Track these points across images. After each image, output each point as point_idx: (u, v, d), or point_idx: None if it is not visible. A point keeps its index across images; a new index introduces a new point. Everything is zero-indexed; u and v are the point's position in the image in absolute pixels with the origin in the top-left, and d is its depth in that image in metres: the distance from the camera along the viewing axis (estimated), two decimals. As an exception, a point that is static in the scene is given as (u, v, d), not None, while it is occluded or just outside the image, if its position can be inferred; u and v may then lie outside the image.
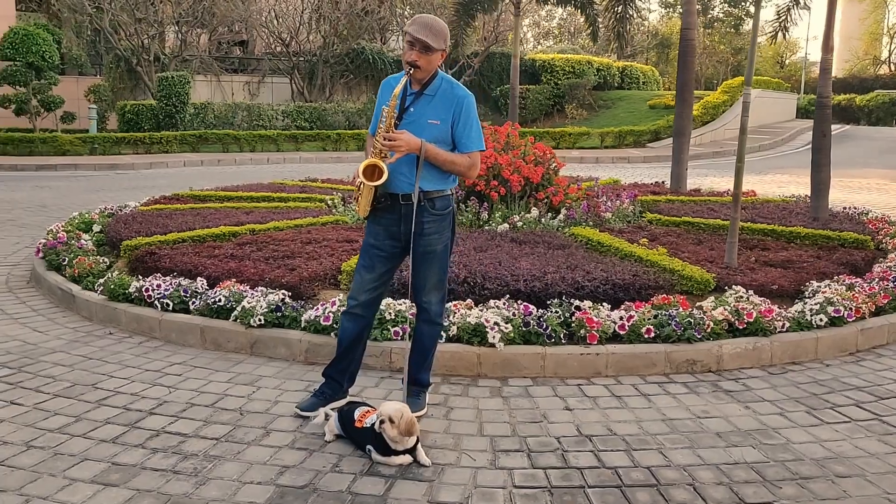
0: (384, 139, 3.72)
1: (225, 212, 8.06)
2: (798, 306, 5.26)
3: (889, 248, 7.05)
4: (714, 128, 23.62)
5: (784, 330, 5.03)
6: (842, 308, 5.14)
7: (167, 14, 24.20)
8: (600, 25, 15.05)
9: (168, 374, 4.65)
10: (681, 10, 42.70)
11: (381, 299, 4.10)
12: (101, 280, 5.77)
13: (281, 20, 26.86)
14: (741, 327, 4.93)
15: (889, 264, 6.23)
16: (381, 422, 3.44)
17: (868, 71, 52.86)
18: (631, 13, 11.12)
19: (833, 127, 25.21)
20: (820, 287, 5.55)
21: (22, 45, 18.94)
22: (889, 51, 54.40)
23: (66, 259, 6.47)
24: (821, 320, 5.08)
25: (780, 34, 10.27)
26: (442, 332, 4.57)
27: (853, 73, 52.72)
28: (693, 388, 4.51)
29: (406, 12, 29.92)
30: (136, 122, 20.81)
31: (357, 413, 3.68)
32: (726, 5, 53.76)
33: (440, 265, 3.97)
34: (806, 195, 10.35)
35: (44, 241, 7.04)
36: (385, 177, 3.74)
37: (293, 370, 4.74)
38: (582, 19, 14.45)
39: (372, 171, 3.77)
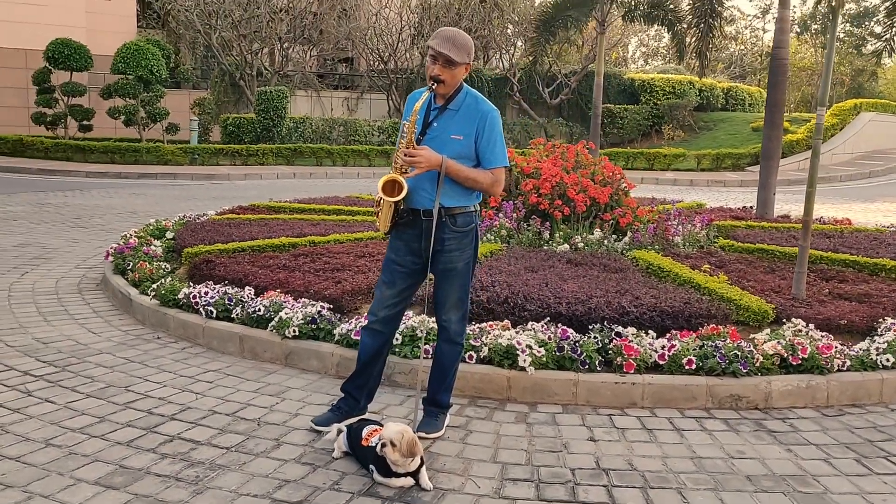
0: (404, 154, 3.66)
1: (291, 223, 8.16)
2: (864, 344, 4.88)
3: None
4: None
5: (845, 369, 4.66)
6: (912, 347, 4.73)
7: (276, 31, 25.00)
8: (687, 46, 14.59)
9: (200, 380, 4.70)
10: (796, 31, 40.93)
11: (401, 315, 4.02)
12: (155, 285, 5.91)
13: (381, 38, 27.32)
14: (795, 363, 4.60)
15: (979, 303, 5.71)
16: (383, 445, 3.35)
17: None
18: (714, 32, 10.68)
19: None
20: (894, 324, 5.13)
21: (133, 60, 19.91)
22: None
23: (131, 264, 6.68)
24: (888, 360, 4.69)
25: (885, 53, 9.67)
26: (463, 352, 4.45)
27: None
28: (734, 425, 4.23)
29: (508, 30, 29.95)
30: (237, 134, 21.52)
31: (365, 431, 3.60)
32: (848, 25, 51.53)
33: (461, 283, 3.87)
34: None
35: (115, 245, 7.30)
36: (404, 193, 3.67)
37: (322, 383, 4.71)
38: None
39: (392, 187, 3.72)
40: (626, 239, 7.37)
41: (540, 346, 4.57)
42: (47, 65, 20.92)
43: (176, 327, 5.57)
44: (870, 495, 3.45)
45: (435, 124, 3.79)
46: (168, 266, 6.68)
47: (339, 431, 3.78)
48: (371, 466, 3.48)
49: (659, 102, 26.88)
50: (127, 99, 20.34)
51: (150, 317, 5.81)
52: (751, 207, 11.33)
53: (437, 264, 3.83)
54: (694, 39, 10.98)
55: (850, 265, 6.86)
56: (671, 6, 14.35)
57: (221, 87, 24.54)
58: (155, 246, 7.34)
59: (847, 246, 7.62)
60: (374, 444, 3.50)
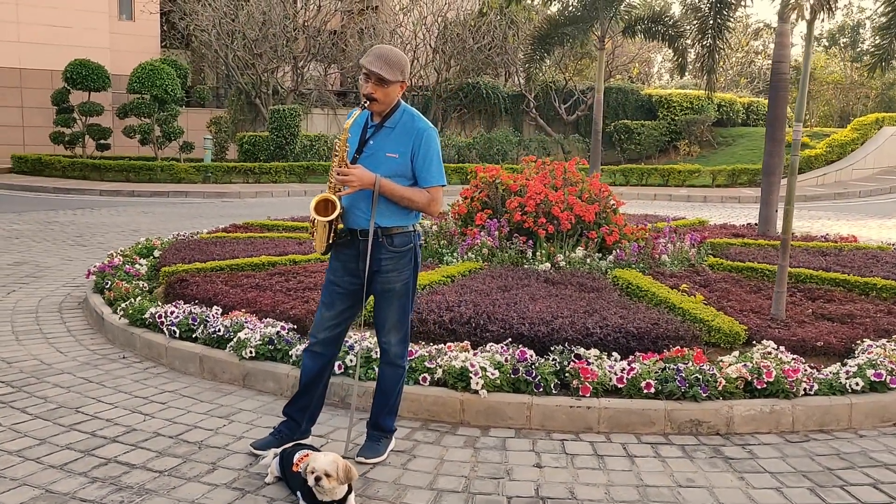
0: (337, 173, 3.59)
1: (277, 241, 8.13)
2: (834, 367, 4.71)
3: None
4: (840, 167, 22.15)
5: (812, 393, 4.50)
6: (884, 371, 4.55)
7: (292, 50, 25.17)
8: (689, 59, 14.41)
9: (154, 401, 4.65)
10: (824, 44, 40.27)
11: (342, 337, 3.93)
12: (124, 304, 5.89)
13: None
14: (760, 387, 4.45)
15: (966, 324, 5.51)
16: (318, 479, 3.24)
17: None
18: (721, 45, 10.52)
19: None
20: (872, 346, 4.96)
21: (148, 80, 20.16)
22: None
23: (109, 283, 6.67)
24: (857, 384, 4.51)
25: (878, 67, 9.47)
26: (413, 375, 4.37)
27: None
28: (690, 452, 4.08)
29: (520, 51, 29.93)
30: (252, 152, 21.65)
31: (296, 456, 3.51)
32: (878, 38, 50.83)
33: (399, 304, 3.78)
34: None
35: (98, 263, 7.31)
36: (337, 212, 3.61)
37: (276, 405, 4.62)
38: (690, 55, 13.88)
39: (325, 206, 3.65)
40: (611, 257, 7.24)
41: (495, 368, 4.47)
42: (66, 85, 21.25)
43: (142, 347, 5.54)
44: (816, 528, 3.30)
45: (371, 142, 3.73)
46: (147, 285, 6.67)
47: (276, 455, 3.71)
48: (298, 493, 3.39)
49: (676, 118, 26.63)
50: (142, 118, 20.58)
51: (119, 336, 5.79)
52: (754, 224, 11.12)
53: (374, 285, 3.76)
54: (700, 56, 10.81)
55: (839, 284, 6.67)
56: (671, 21, 14.20)
57: (238, 106, 24.74)
58: (139, 265, 7.33)
59: (841, 264, 7.42)
60: (301, 470, 3.42)
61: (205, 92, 25.01)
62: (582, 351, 4.68)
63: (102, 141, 21.86)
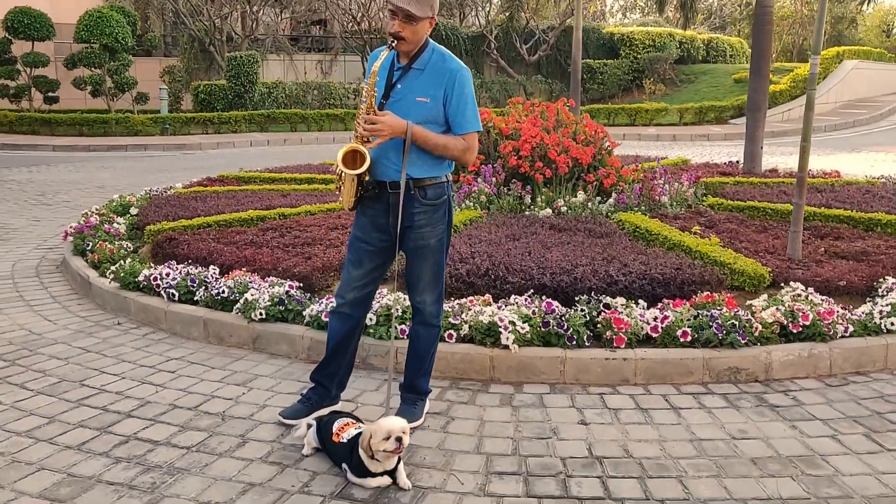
0: (364, 122, 3.30)
1: (260, 194, 7.79)
2: (866, 307, 4.61)
3: None
4: (803, 102, 22.18)
5: (847, 335, 4.40)
6: (918, 310, 4.47)
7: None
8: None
9: (162, 370, 4.37)
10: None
11: (371, 297, 3.69)
12: (114, 267, 5.55)
13: (353, -3, 26.63)
14: (796, 331, 4.33)
15: (981, 257, 5.45)
16: (399, 439, 3.01)
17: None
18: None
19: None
20: (895, 284, 4.87)
21: (96, 28, 19.20)
22: None
23: (91, 244, 6.30)
24: (892, 324, 4.42)
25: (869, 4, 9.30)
26: (441, 332, 4.14)
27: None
28: (734, 401, 3.96)
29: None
30: (209, 101, 20.91)
31: (336, 425, 3.30)
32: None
33: (434, 261, 3.54)
34: None
35: (74, 224, 6.91)
36: (367, 164, 3.32)
37: (292, 369, 4.40)
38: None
39: (353, 158, 3.35)
40: (611, 200, 7.06)
41: (524, 322, 4.27)
42: (7, 34, 20.15)
43: (137, 312, 5.23)
44: (884, 475, 3.19)
45: (398, 86, 3.42)
46: (130, 245, 6.32)
47: (309, 426, 3.48)
48: (344, 465, 3.18)
49: (639, 56, 26.39)
50: (93, 69, 19.68)
51: (110, 301, 5.46)
52: (737, 162, 11.04)
53: (407, 242, 3.50)
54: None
55: (844, 221, 6.59)
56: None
57: (191, 54, 23.84)
58: (118, 224, 6.95)
59: (840, 200, 7.35)
60: (346, 440, 3.21)
61: (156, 40, 23.99)
62: (609, 300, 4.50)
63: (50, 94, 20.88)
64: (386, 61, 3.44)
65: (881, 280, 5.00)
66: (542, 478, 3.19)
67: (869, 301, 4.83)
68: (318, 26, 32.21)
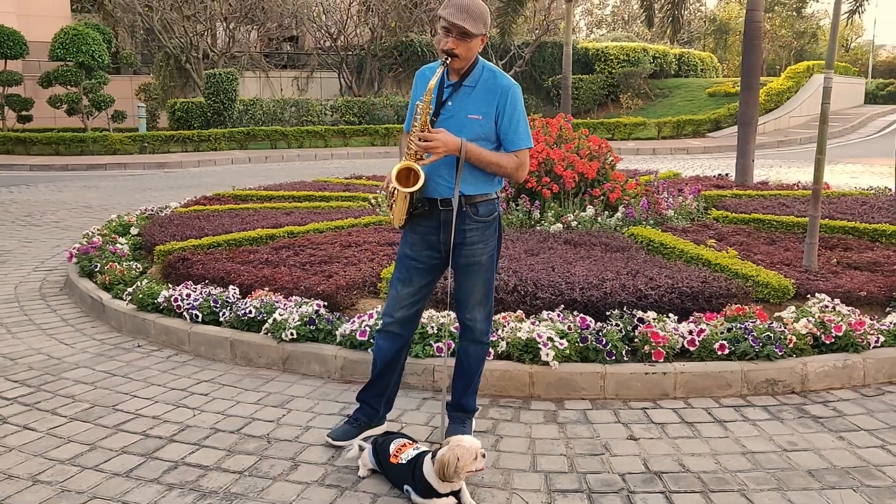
0: (419, 139, 3.27)
1: (264, 213, 7.72)
2: (893, 317, 4.67)
3: (985, 246, 6.35)
4: (778, 116, 22.62)
5: (878, 345, 4.45)
6: (944, 319, 4.54)
7: (216, 11, 24.11)
8: (656, 10, 14.32)
9: (194, 393, 4.29)
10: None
11: (419, 315, 3.66)
12: (130, 289, 5.45)
13: (329, 14, 26.60)
14: (828, 342, 4.37)
15: None
16: (483, 455, 3.01)
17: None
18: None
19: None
20: (915, 294, 4.95)
21: (72, 45, 18.99)
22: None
23: (99, 265, 6.19)
24: (921, 333, 4.49)
25: (855, 15, 9.53)
26: (490, 351, 4.12)
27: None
28: (775, 413, 3.98)
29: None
30: (186, 119, 20.74)
31: (393, 447, 3.26)
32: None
33: (485, 278, 3.52)
34: (886, 187, 9.63)
35: (78, 245, 6.79)
36: (421, 182, 3.29)
37: (327, 389, 4.34)
38: (636, 5, 13.75)
39: (407, 176, 3.33)
40: (619, 215, 7.09)
41: (561, 338, 4.26)
42: (-21, 53, 19.86)
43: (157, 333, 5.14)
44: (941, 485, 3.22)
45: (450, 103, 3.41)
46: (139, 266, 6.21)
47: (361, 448, 3.44)
48: (407, 487, 3.14)
49: (614, 71, 26.71)
50: (68, 87, 19.41)
51: (127, 323, 5.36)
52: (727, 175, 11.18)
53: (458, 259, 3.47)
54: (666, 5, 10.72)
55: (849, 232, 6.69)
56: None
57: (167, 72, 23.63)
58: (120, 244, 6.84)
59: (840, 212, 7.46)
60: (405, 461, 3.17)
61: (132, 57, 23.75)
62: (641, 314, 4.52)
63: (24, 112, 20.56)
64: (439, 78, 3.43)
65: (900, 290, 5.08)
66: (605, 494, 3.18)
67: (889, 311, 4.91)
68: (289, 43, 32.14)
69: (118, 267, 5.97)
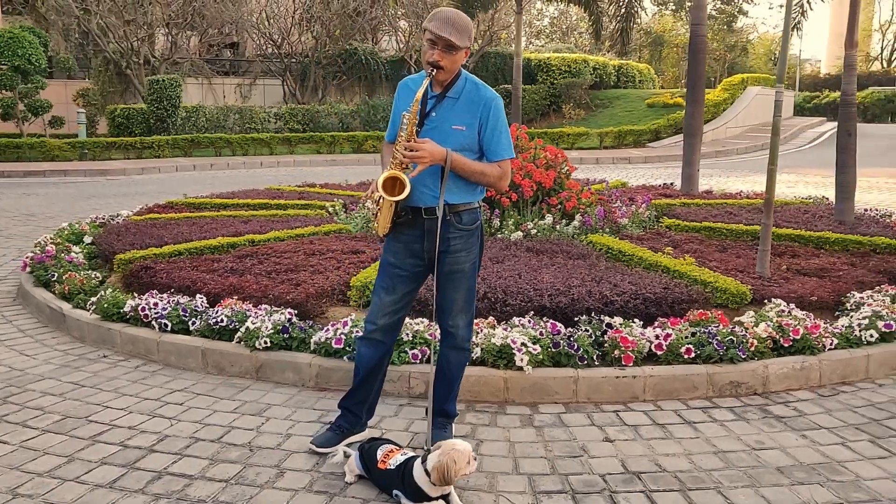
0: (405, 149, 3.33)
1: (222, 221, 7.66)
2: (844, 321, 4.90)
3: (921, 253, 6.69)
4: (715, 126, 23.27)
5: (832, 347, 4.67)
6: (893, 322, 4.79)
7: (157, 16, 23.72)
8: (605, 23, 14.65)
9: (168, 402, 4.26)
10: (672, 8, 42.16)
11: (401, 323, 3.71)
12: (94, 298, 5.37)
13: (272, 21, 26.41)
14: (786, 345, 4.57)
15: (930, 272, 5.87)
16: (475, 458, 3.07)
17: (861, 68, 52.76)
18: (637, 9, 10.75)
19: (831, 125, 24.97)
20: (863, 298, 5.20)
21: (7, 49, 18.46)
22: (881, 47, 54.53)
23: (56, 274, 6.07)
24: (871, 336, 4.73)
25: (795, 30, 9.90)
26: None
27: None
28: (741, 413, 4.15)
29: (398, 13, 29.56)
30: (126, 126, 20.34)
31: (380, 453, 3.30)
32: (718, 2, 53.55)
33: (468, 285, 3.60)
34: (824, 196, 10.04)
35: (31, 254, 6.64)
36: (407, 191, 3.35)
37: (303, 397, 4.35)
38: (576, 17, 14.05)
39: (392, 185, 3.39)
40: (575, 223, 7.25)
41: (534, 343, 4.37)
42: None
43: (124, 343, 5.07)
44: (900, 478, 3.42)
45: (433, 114, 3.48)
46: (98, 275, 6.10)
47: (346, 454, 3.48)
48: (396, 492, 3.19)
49: (556, 82, 27.13)
50: (3, 91, 18.85)
51: (91, 333, 5.27)
52: (671, 184, 11.50)
53: (442, 266, 3.54)
54: (617, 19, 11.00)
55: (794, 240, 6.97)
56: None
57: (106, 77, 23.11)
58: (75, 252, 6.71)
59: (785, 220, 7.76)
60: (393, 467, 3.22)
61: (70, 62, 23.18)
62: (608, 320, 4.65)
63: (-46, 117, 19.91)
64: (415, 88, 3.50)
65: (848, 295, 5.33)
66: (588, 494, 3.28)
67: (838, 314, 5.16)
68: (230, 49, 31.78)
69: (77, 276, 5.87)
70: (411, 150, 3.32)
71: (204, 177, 16.55)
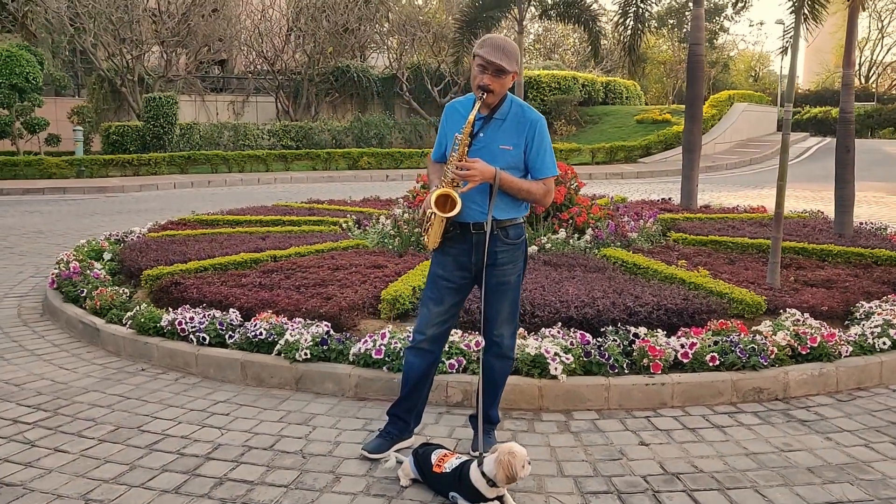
0: (457, 168, 3.53)
1: (239, 237, 7.81)
2: (857, 329, 5.12)
3: (920, 264, 6.94)
4: (704, 142, 23.55)
5: (848, 355, 4.89)
6: (904, 330, 5.02)
7: (149, 34, 23.86)
8: (605, 41, 14.95)
9: (214, 413, 4.41)
10: (655, 25, 42.66)
11: (448, 333, 3.89)
12: (130, 313, 5.51)
13: (265, 38, 26.61)
14: (804, 353, 4.79)
15: (932, 282, 6.12)
16: (525, 464, 3.23)
17: (839, 83, 53.64)
18: (642, 26, 11.05)
19: (814, 140, 25.46)
20: (872, 308, 5.43)
21: (5, 67, 18.56)
22: (859, 63, 55.44)
23: (85, 291, 6.20)
24: (884, 343, 4.95)
25: (787, 50, 10.19)
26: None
27: (824, 86, 53.64)
28: (765, 417, 4.35)
29: (385, 28, 29.86)
30: (121, 143, 20.44)
31: (434, 457, 3.47)
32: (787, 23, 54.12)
33: (513, 297, 3.79)
34: (819, 210, 10.31)
35: (56, 271, 6.77)
36: (458, 208, 3.54)
37: (345, 407, 4.51)
38: (561, 34, 14.33)
39: (444, 202, 3.58)
40: (587, 237, 7.46)
41: (566, 353, 4.55)
42: None
43: (161, 357, 5.21)
44: (924, 476, 3.62)
45: (481, 135, 3.68)
46: (126, 291, 6.24)
47: (399, 460, 3.64)
48: (453, 494, 3.35)
49: (546, 98, 27.47)
50: (0, 109, 18.92)
51: (127, 347, 5.41)
52: (669, 199, 11.75)
53: (489, 279, 3.72)
54: (622, 36, 11.27)
55: (798, 252, 7.21)
56: (586, 4, 14.70)
57: (100, 95, 23.21)
58: (98, 269, 6.85)
59: (787, 234, 7.99)
60: (448, 470, 3.39)
61: (65, 80, 23.26)
62: (634, 330, 4.84)
63: (-51, 135, 19.93)
64: (464, 111, 3.70)
65: (857, 305, 5.56)
66: (633, 494, 3.46)
67: (847, 323, 5.39)
68: (218, 66, 31.91)
69: (108, 292, 6.00)
70: (464, 169, 3.51)
71: (203, 193, 16.68)
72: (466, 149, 3.59)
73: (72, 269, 6.64)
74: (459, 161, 3.56)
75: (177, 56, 26.78)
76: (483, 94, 3.59)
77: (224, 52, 29.80)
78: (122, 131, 20.56)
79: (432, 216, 3.64)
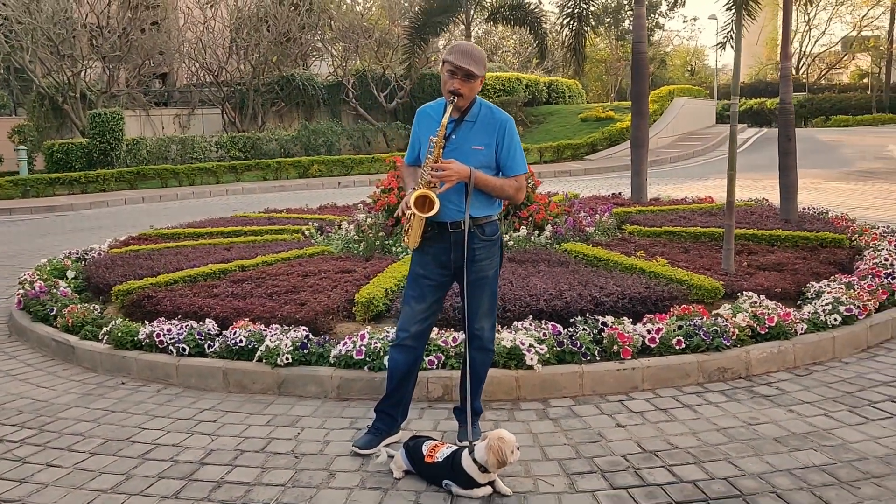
0: (433, 169, 3.69)
1: (204, 249, 7.85)
2: (809, 307, 5.42)
3: (861, 244, 7.32)
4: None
5: (803, 332, 5.17)
6: (852, 307, 5.33)
7: (88, 49, 23.50)
8: (549, 42, 15.27)
9: (202, 420, 4.49)
10: (593, 24, 43.41)
11: (430, 329, 4.05)
12: (106, 328, 5.54)
13: (208, 50, 26.41)
14: (763, 332, 5.05)
15: (875, 261, 6.47)
16: (514, 449, 3.41)
17: (772, 75, 55.27)
18: (587, 28, 11.34)
19: (752, 131, 26.15)
20: (822, 287, 5.74)
21: (-58, 88, 18.15)
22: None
23: (55, 309, 6.19)
24: (835, 320, 5.25)
25: (726, 45, 10.58)
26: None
27: (758, 78, 55.24)
28: (731, 395, 4.60)
29: (328, 36, 29.87)
30: (66, 161, 20.12)
31: (425, 448, 3.62)
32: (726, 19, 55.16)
33: (491, 290, 3.96)
34: (764, 198, 10.71)
35: (22, 291, 6.74)
36: (437, 208, 3.70)
37: (329, 408, 4.63)
38: (500, 36, 14.60)
39: (422, 202, 3.73)
40: (546, 233, 7.68)
41: (540, 344, 4.74)
42: None
43: (140, 369, 5.26)
44: (881, 439, 3.89)
45: (454, 137, 3.84)
46: (97, 307, 6.25)
47: (390, 455, 3.77)
48: (446, 482, 3.50)
49: (491, 100, 27.74)
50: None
51: (104, 362, 5.44)
52: (619, 193, 12.06)
53: (468, 275, 3.88)
54: (567, 38, 11.56)
55: (749, 239, 7.52)
56: (533, 8, 14.98)
57: (41, 113, 22.77)
58: (63, 287, 6.83)
59: (736, 221, 8.30)
60: (440, 459, 3.54)
61: (3, 99, 22.76)
62: (602, 319, 5.06)
63: None
64: (441, 115, 3.86)
65: (808, 286, 5.87)
66: (616, 472, 3.65)
67: (800, 303, 5.69)
68: (159, 80, 31.52)
69: (79, 309, 6.01)
70: (440, 170, 3.67)
71: (156, 209, 16.53)
72: (441, 150, 3.76)
73: (38, 289, 6.62)
74: (435, 163, 3.72)
75: (118, 71, 26.42)
76: (454, 97, 3.75)
77: (165, 66, 29.50)
78: (67, 149, 20.24)
79: (412, 217, 3.79)
